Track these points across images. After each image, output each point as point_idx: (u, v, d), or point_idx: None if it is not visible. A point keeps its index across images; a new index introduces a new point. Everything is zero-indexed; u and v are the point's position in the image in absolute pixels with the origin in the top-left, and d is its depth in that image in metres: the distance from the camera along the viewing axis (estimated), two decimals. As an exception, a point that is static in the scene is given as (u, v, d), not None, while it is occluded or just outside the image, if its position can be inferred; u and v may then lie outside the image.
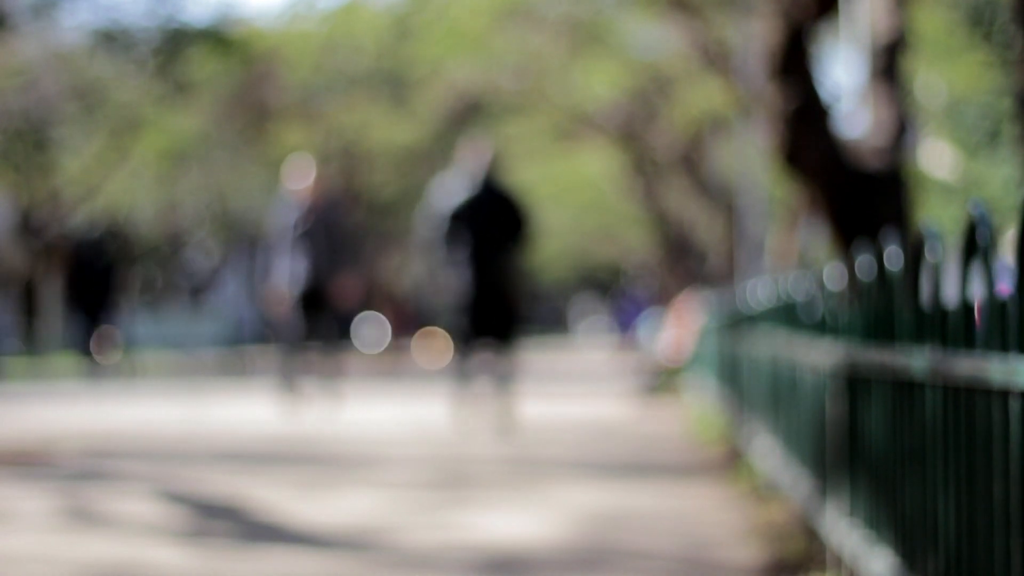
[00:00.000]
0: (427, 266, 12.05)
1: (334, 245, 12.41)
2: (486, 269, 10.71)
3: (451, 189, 10.91)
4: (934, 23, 18.74)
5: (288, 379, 12.43)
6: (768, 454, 6.42)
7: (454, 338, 11.18)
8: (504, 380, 10.89)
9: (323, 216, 12.44)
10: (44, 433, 10.42)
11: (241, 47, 27.25)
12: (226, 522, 5.87)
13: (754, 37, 17.27)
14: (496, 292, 10.76)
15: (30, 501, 6.53)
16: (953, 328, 2.88)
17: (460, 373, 10.99)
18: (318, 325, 12.51)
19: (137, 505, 6.35)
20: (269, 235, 13.13)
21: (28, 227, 31.67)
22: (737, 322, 8.54)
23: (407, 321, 39.90)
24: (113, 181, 30.52)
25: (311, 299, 12.39)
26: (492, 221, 10.72)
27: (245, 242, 39.96)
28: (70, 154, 29.87)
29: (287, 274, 12.40)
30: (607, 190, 30.86)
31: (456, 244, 10.71)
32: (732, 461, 7.84)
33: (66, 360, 27.25)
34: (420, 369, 26.50)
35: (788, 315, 5.74)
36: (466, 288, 10.70)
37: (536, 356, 31.60)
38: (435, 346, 34.16)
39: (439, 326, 36.30)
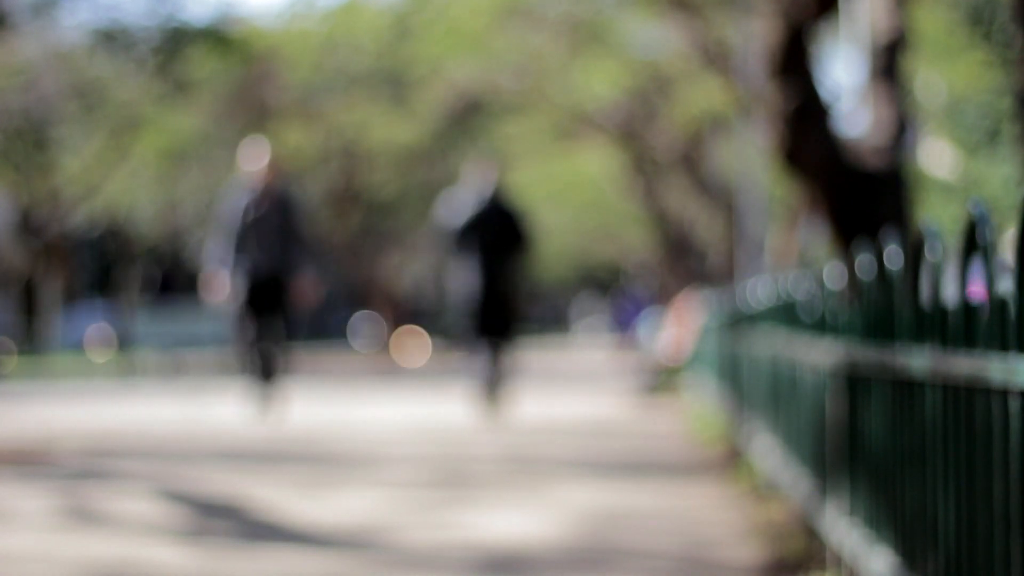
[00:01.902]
0: (438, 273, 12.52)
1: (288, 233, 11.69)
2: (493, 277, 11.76)
3: (460, 205, 11.91)
4: (934, 22, 18.74)
5: (251, 378, 11.68)
6: (768, 453, 6.42)
7: (463, 338, 12.32)
8: (504, 376, 11.91)
9: (277, 202, 11.72)
10: (44, 432, 10.42)
11: (241, 46, 27.25)
12: (226, 521, 5.87)
13: (754, 36, 17.28)
14: (501, 298, 11.80)
15: (30, 500, 6.53)
16: (953, 327, 2.88)
17: (469, 370, 12.13)
18: (268, 319, 11.69)
19: (137, 504, 6.35)
20: (218, 220, 12.22)
21: (28, 226, 31.68)
22: (737, 321, 8.54)
23: (405, 320, 39.91)
24: (113, 180, 30.52)
25: (263, 291, 11.64)
26: (498, 234, 11.77)
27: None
28: (70, 153, 29.88)
29: (237, 262, 11.65)
30: (607, 189, 30.85)
31: (466, 255, 11.75)
32: (732, 460, 7.84)
33: (66, 359, 27.25)
34: (418, 368, 26.50)
35: (788, 314, 5.74)
36: (475, 294, 11.73)
37: (536, 355, 31.59)
38: (413, 344, 34.17)
39: (428, 326, 36.34)
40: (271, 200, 11.70)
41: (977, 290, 2.69)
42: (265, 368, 11.70)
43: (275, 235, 11.67)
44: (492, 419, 11.38)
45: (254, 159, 11.94)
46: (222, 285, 11.78)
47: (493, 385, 11.82)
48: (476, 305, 11.73)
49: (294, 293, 11.78)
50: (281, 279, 11.71)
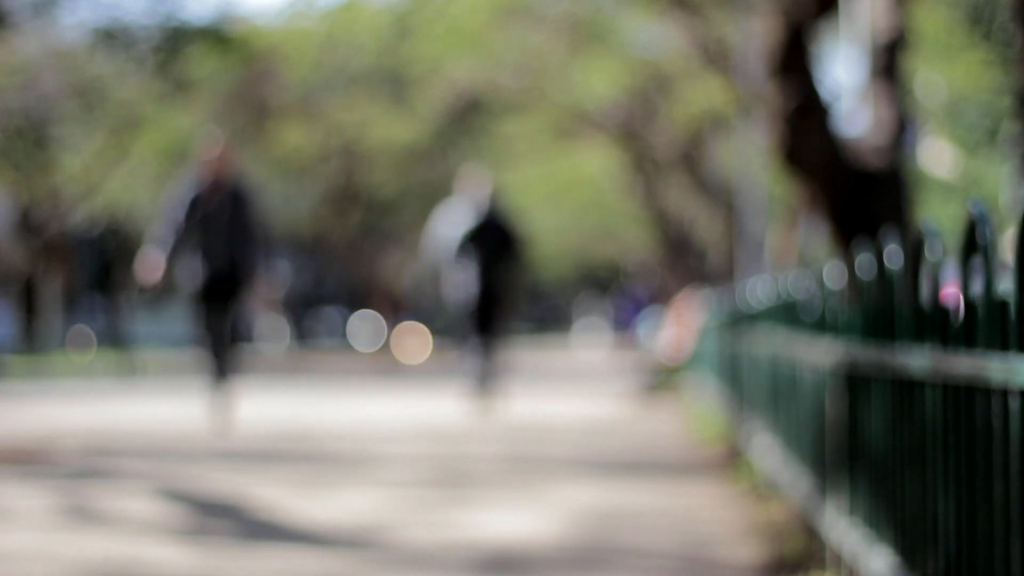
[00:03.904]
0: (436, 280, 13.42)
1: (242, 228, 11.06)
2: (489, 284, 12.58)
3: (457, 217, 12.68)
4: (934, 21, 18.74)
5: (211, 377, 11.12)
6: (768, 452, 6.43)
7: (461, 339, 13.16)
8: (498, 373, 12.65)
9: (229, 195, 11.09)
10: (44, 431, 10.42)
11: (241, 45, 27.23)
12: (226, 520, 5.87)
13: (754, 35, 17.28)
14: (495, 301, 12.61)
15: (30, 499, 6.54)
16: (953, 327, 2.88)
17: (465, 369, 12.85)
18: (219, 317, 11.07)
19: (137, 503, 6.35)
20: (161, 211, 11.59)
21: (28, 225, 31.67)
22: (737, 321, 8.54)
23: (404, 319, 39.92)
24: (113, 179, 30.50)
25: (215, 289, 11.04)
26: (494, 243, 12.59)
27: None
28: (70, 152, 29.86)
29: (189, 259, 11.12)
30: (607, 188, 30.85)
31: (464, 264, 12.56)
32: (732, 459, 7.84)
33: (65, 358, 27.24)
34: (416, 367, 26.52)
35: (788, 314, 5.74)
36: (472, 300, 12.52)
37: (536, 354, 31.60)
38: (413, 343, 34.19)
39: (428, 324, 36.36)
40: (223, 193, 11.11)
41: (950, 292, 2.69)
42: (220, 367, 11.08)
43: (228, 230, 11.08)
44: (486, 415, 11.71)
45: (205, 150, 11.36)
46: (155, 266, 11.15)
47: (487, 382, 12.49)
48: (472, 308, 12.54)
49: (249, 295, 11.26)
50: (235, 276, 11.12)
